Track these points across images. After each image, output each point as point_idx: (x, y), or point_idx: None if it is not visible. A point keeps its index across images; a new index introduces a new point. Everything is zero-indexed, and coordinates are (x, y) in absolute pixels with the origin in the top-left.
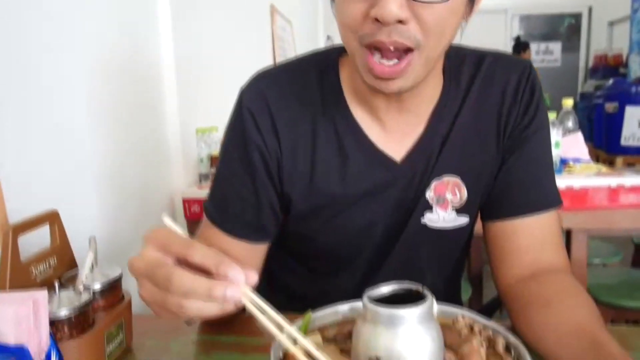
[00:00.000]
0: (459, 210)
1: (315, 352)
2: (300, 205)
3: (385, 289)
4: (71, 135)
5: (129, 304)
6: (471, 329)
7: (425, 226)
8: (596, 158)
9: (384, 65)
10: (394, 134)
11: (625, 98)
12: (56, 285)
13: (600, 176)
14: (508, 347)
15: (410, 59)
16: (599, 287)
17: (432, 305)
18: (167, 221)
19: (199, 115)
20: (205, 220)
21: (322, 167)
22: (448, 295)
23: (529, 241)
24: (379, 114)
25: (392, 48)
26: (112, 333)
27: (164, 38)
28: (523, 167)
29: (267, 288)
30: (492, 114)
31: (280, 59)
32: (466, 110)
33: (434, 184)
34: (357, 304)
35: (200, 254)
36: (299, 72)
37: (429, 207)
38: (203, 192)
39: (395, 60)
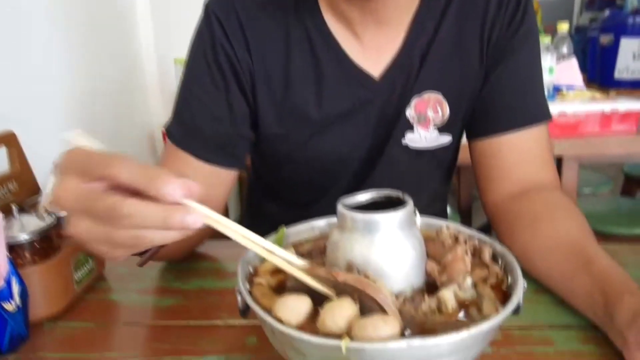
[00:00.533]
0: (441, 129)
1: (291, 264)
2: (273, 124)
3: (363, 196)
4: (31, 60)
5: None
6: (456, 239)
7: (406, 147)
8: None
9: None
10: (371, 49)
11: (621, 30)
12: (14, 209)
13: (594, 102)
14: (495, 257)
15: None
16: (589, 216)
17: (413, 212)
18: (73, 137)
19: (177, 44)
20: (168, 146)
21: (297, 83)
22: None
23: (517, 158)
24: (355, 28)
25: None
26: (81, 260)
27: None
28: (509, 79)
29: (250, 219)
30: (475, 26)
31: None
32: (447, 22)
33: (414, 101)
34: (334, 219)
35: (126, 171)
36: None
37: (409, 127)
38: None
39: None
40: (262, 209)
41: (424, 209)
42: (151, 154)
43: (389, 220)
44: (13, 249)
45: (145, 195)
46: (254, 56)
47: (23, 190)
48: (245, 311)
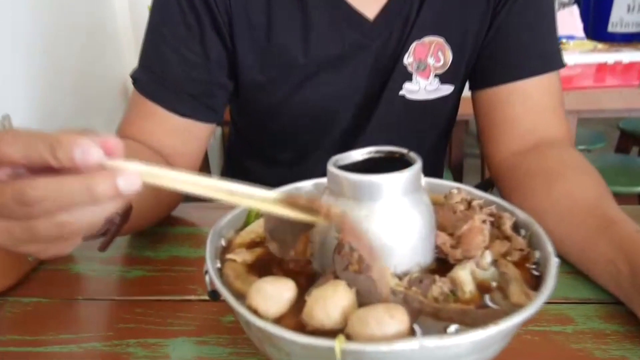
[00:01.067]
0: (443, 78)
1: (263, 199)
2: (254, 71)
3: (358, 154)
4: None
5: None
6: (469, 205)
7: (403, 98)
8: None
9: None
10: None
11: None
12: None
13: (595, 53)
14: (516, 228)
15: None
16: None
17: (420, 173)
18: None
19: None
20: (135, 96)
21: (280, 22)
22: (431, 171)
23: (526, 108)
24: None
25: None
26: None
27: None
28: (518, 21)
29: (231, 178)
30: None
31: None
32: None
33: (413, 46)
34: (323, 180)
35: (17, 146)
36: None
37: (407, 76)
38: None
39: None
40: (244, 167)
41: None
42: (124, 100)
43: (393, 184)
44: None
45: (60, 171)
46: None
47: None
48: (215, 294)
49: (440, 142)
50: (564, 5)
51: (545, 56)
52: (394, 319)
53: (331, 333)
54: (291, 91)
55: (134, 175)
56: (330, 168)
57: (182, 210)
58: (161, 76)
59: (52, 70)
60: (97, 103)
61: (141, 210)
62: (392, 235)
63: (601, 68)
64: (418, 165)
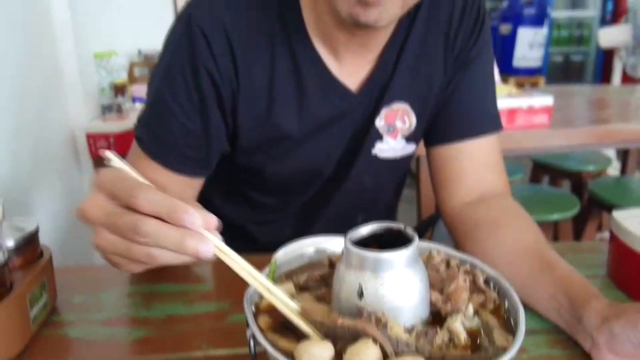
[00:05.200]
0: (408, 138)
1: (287, 306)
2: (252, 139)
3: (364, 229)
4: None
5: (50, 259)
6: (447, 264)
7: (375, 157)
8: None
9: None
10: (349, 66)
11: (518, 20)
12: None
13: (511, 97)
14: (487, 282)
15: None
16: None
17: (417, 247)
18: (110, 155)
19: (95, 37)
20: (135, 149)
21: (279, 98)
22: (389, 218)
23: (473, 164)
24: (338, 47)
25: None
26: (35, 295)
27: None
28: (468, 87)
29: None
30: (440, 38)
31: None
32: (413, 35)
33: (384, 111)
34: (322, 245)
35: (147, 202)
36: None
37: (379, 137)
38: (109, 126)
39: None
40: (215, 207)
41: (384, 207)
42: (73, 154)
43: (400, 258)
44: None
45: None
46: (241, 74)
47: None
48: (256, 355)
49: (399, 189)
50: None
51: (489, 120)
52: None
53: None
54: (283, 154)
55: (211, 248)
56: (350, 247)
57: (167, 268)
58: (162, 139)
59: (9, 122)
60: (48, 148)
61: None
62: (401, 298)
63: (517, 111)
64: (416, 240)
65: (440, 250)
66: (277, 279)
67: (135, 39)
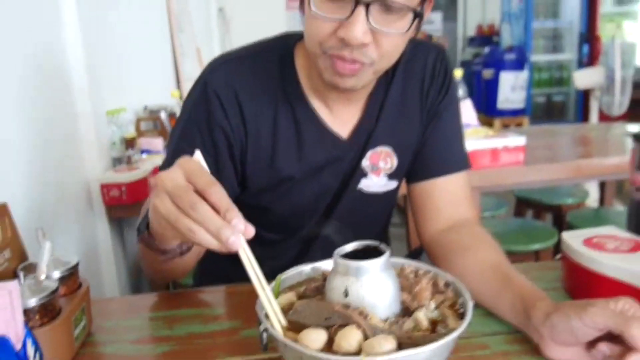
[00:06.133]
0: (390, 176)
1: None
2: (259, 183)
3: (349, 247)
4: None
5: (88, 289)
6: (416, 273)
7: (360, 191)
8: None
9: (345, 64)
10: (340, 118)
11: (500, 65)
12: (21, 275)
13: (488, 139)
14: (447, 285)
15: (365, 66)
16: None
17: (389, 258)
18: (198, 154)
19: (108, 96)
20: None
21: (282, 150)
22: None
23: (447, 198)
24: (329, 103)
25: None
26: (78, 318)
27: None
28: (438, 136)
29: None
30: (416, 93)
31: (177, 33)
32: (392, 92)
33: (369, 154)
34: (318, 265)
35: (218, 195)
36: (261, 61)
37: (364, 175)
38: (120, 176)
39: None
40: None
41: (373, 237)
42: (87, 202)
43: (374, 266)
44: (24, 312)
45: None
46: (249, 131)
47: (15, 257)
48: (267, 345)
49: (387, 219)
50: (460, 99)
51: (458, 160)
52: (388, 342)
53: (355, 354)
54: (284, 193)
55: (239, 242)
56: (336, 258)
57: (186, 296)
58: None
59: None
60: (67, 202)
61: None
62: (377, 296)
63: (494, 151)
64: (388, 252)
65: (411, 264)
66: (281, 292)
67: (142, 96)
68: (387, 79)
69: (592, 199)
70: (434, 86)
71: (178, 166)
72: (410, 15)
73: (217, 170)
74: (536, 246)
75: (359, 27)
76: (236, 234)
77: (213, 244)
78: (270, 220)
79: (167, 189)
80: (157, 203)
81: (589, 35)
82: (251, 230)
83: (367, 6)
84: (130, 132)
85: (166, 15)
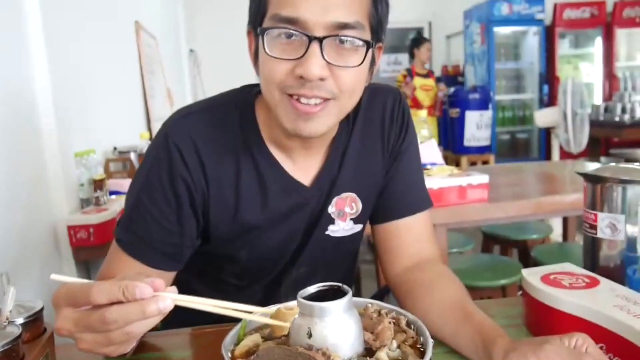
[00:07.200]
0: (355, 220)
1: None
2: (223, 233)
3: (312, 288)
4: None
5: (52, 334)
6: (379, 313)
7: (328, 236)
8: (445, 159)
9: (307, 104)
10: (302, 166)
11: (465, 104)
12: None
13: (453, 177)
14: (408, 324)
15: (327, 104)
16: (458, 272)
17: (351, 299)
18: (57, 277)
19: (76, 138)
20: (115, 249)
21: (246, 200)
22: None
23: (409, 237)
24: (291, 152)
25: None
26: None
27: (38, 68)
28: (400, 177)
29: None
30: (377, 136)
31: (147, 74)
32: (354, 138)
33: (335, 200)
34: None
35: (103, 295)
36: (221, 112)
37: (331, 220)
38: (88, 218)
39: (316, 101)
40: (189, 286)
41: (340, 279)
42: (54, 244)
43: (337, 307)
44: None
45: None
46: (210, 181)
47: None
48: None
49: (353, 261)
50: (425, 139)
51: (420, 200)
52: None
53: None
54: (249, 241)
55: (169, 301)
56: (300, 300)
57: (153, 339)
58: (142, 238)
59: None
60: (33, 244)
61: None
62: (340, 336)
63: (460, 188)
64: (350, 294)
65: (374, 303)
66: (246, 333)
67: (111, 137)
68: (348, 125)
69: (557, 234)
70: (394, 128)
71: (57, 305)
72: (364, 49)
73: (178, 222)
74: (502, 281)
75: (315, 62)
76: (159, 300)
77: (153, 322)
78: (236, 268)
79: (74, 330)
80: (82, 347)
81: (549, 76)
82: (159, 283)
83: (321, 42)
84: (99, 173)
85: (137, 56)
